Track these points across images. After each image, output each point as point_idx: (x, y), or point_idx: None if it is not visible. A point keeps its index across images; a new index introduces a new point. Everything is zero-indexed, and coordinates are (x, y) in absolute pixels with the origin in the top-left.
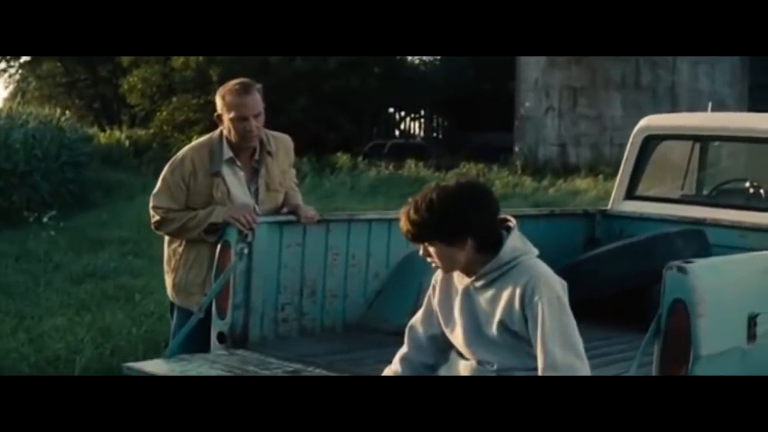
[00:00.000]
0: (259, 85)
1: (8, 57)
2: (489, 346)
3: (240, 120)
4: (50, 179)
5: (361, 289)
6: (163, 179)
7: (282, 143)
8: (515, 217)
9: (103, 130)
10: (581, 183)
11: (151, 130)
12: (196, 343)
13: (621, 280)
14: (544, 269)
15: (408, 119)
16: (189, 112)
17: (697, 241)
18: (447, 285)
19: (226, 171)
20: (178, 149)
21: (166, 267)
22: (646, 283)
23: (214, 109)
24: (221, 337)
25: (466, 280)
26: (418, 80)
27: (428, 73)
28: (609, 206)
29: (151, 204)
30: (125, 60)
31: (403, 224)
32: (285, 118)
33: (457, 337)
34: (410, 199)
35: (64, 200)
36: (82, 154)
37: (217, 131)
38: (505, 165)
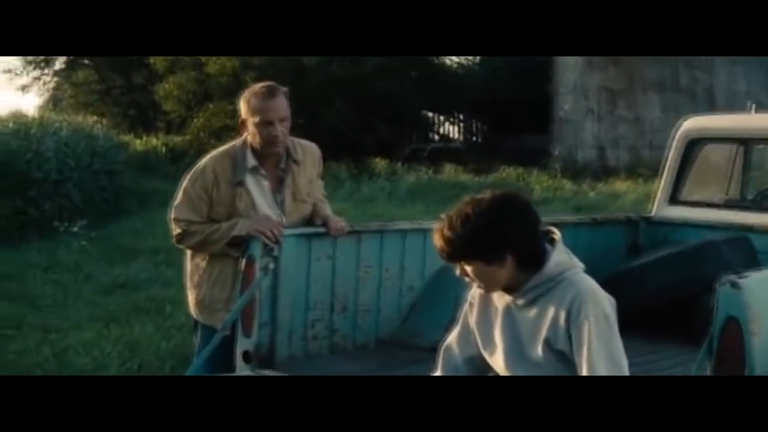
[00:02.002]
0: (285, 89)
1: (42, 65)
2: (531, 368)
3: (265, 124)
4: (83, 188)
5: (394, 304)
6: (184, 191)
7: (309, 152)
8: (553, 225)
9: (139, 137)
10: (621, 186)
11: (188, 137)
12: (221, 362)
13: (666, 289)
14: (591, 284)
15: (446, 123)
16: (225, 118)
17: (744, 248)
18: (485, 303)
19: (249, 180)
20: None
21: (188, 283)
22: (693, 293)
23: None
24: (247, 357)
25: (507, 298)
26: (455, 84)
27: (465, 76)
28: (652, 212)
29: (171, 216)
30: (160, 66)
31: (438, 242)
32: (321, 123)
33: (497, 359)
34: (443, 216)
35: (98, 209)
36: (115, 161)
37: (241, 139)
38: (544, 168)
